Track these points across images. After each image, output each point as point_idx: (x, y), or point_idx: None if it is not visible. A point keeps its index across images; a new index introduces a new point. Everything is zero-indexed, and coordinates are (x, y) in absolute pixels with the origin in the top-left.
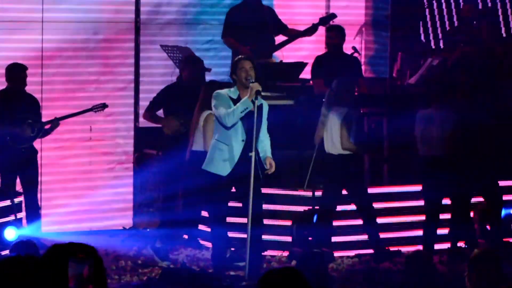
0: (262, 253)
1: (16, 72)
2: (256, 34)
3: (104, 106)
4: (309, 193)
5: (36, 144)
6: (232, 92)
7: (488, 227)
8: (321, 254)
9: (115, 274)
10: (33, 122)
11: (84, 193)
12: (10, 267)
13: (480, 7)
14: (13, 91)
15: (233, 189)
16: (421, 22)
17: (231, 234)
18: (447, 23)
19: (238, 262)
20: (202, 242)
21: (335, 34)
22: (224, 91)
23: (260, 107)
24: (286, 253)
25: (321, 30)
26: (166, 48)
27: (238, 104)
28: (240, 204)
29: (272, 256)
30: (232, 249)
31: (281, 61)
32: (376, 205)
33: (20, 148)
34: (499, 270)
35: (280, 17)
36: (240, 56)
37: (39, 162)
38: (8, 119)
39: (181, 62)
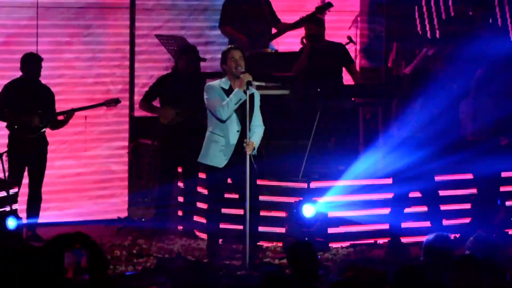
0: (257, 244)
1: (30, 62)
2: (253, 24)
3: (117, 101)
4: (304, 185)
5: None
6: (224, 82)
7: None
8: (310, 243)
9: (110, 264)
10: (43, 112)
11: (79, 184)
12: (8, 257)
13: None
14: (26, 81)
15: (229, 180)
16: (416, 11)
17: (227, 226)
18: (443, 13)
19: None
20: (197, 233)
21: (311, 26)
22: (215, 82)
23: (251, 97)
24: (280, 244)
25: None
26: (161, 38)
27: (231, 96)
28: (236, 196)
29: (267, 246)
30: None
31: (276, 51)
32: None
33: (29, 137)
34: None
35: (276, 4)
36: (229, 46)
37: None
38: (18, 108)
39: (176, 52)
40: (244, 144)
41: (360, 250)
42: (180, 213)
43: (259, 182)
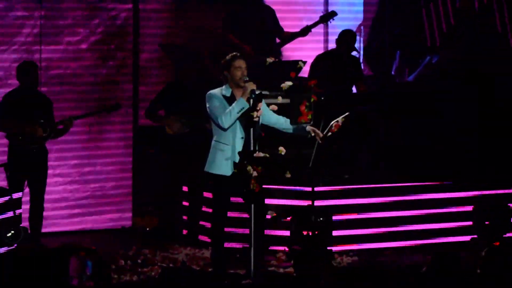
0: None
1: (27, 70)
2: (256, 32)
3: (117, 106)
4: (309, 189)
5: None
6: (225, 90)
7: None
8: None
9: (115, 274)
10: (45, 122)
11: (84, 193)
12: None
13: (476, 5)
14: (25, 91)
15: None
16: (418, 20)
17: (232, 230)
18: (443, 24)
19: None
20: (201, 238)
21: (347, 39)
22: (216, 90)
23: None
24: (286, 250)
25: (319, 28)
26: (164, 47)
27: (233, 104)
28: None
29: (273, 250)
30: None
31: (279, 59)
32: None
33: (32, 148)
34: None
35: (279, 14)
36: (234, 54)
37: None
38: (20, 119)
39: (181, 61)
40: (313, 133)
41: (364, 258)
42: (185, 217)
43: (264, 186)
